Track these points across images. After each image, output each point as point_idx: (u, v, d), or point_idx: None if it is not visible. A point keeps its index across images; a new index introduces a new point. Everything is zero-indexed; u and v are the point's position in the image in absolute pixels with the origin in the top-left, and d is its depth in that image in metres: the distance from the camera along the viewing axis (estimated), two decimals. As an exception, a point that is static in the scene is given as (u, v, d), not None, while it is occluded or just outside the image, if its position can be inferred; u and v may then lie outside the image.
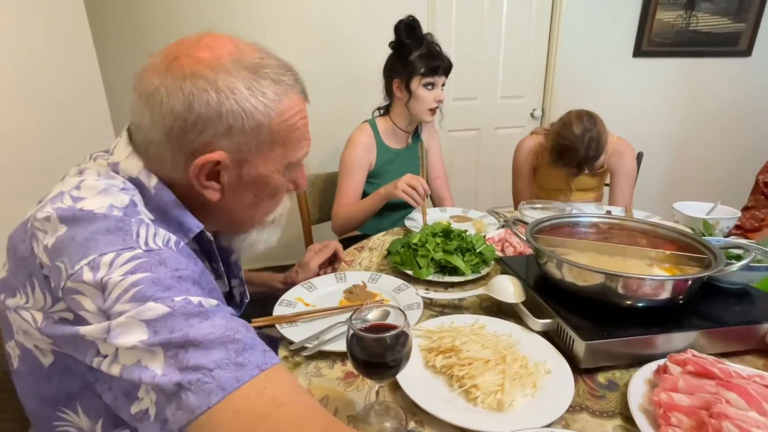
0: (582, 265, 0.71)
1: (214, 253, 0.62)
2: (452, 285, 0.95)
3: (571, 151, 1.47)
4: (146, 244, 0.46)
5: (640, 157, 1.86)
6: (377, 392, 0.57)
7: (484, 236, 1.09)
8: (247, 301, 0.78)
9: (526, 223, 0.90)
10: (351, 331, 0.52)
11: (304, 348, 0.71)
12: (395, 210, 1.53)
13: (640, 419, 0.55)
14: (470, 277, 0.95)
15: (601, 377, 0.66)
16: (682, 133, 3.06)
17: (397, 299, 0.88)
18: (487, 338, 0.69)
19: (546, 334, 0.73)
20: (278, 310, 0.82)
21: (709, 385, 0.55)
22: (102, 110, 1.34)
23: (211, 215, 0.59)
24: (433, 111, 1.42)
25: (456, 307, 0.87)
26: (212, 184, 0.54)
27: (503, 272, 0.92)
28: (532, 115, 2.87)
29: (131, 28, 2.13)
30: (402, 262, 1.00)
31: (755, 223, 1.40)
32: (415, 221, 1.31)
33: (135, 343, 0.41)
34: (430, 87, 1.38)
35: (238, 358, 0.42)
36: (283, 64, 0.56)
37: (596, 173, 1.68)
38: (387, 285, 0.93)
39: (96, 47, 1.34)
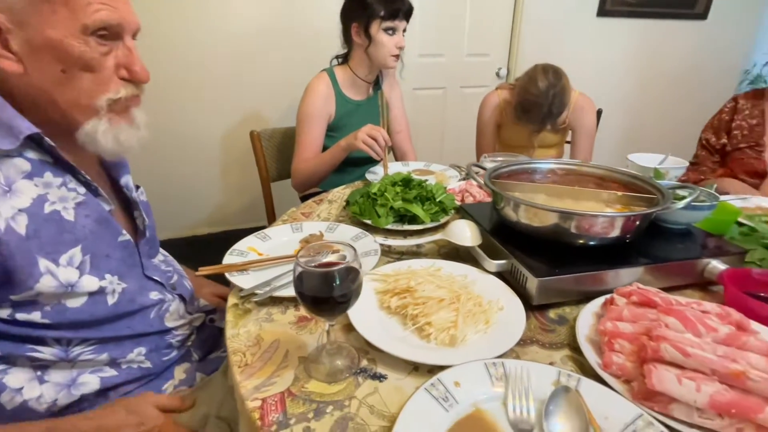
0: (536, 204, 0.70)
1: (63, 159, 0.60)
2: (411, 234, 0.94)
3: (535, 107, 1.46)
4: None
5: (599, 113, 1.89)
6: (328, 332, 0.56)
7: (445, 187, 1.07)
8: (148, 225, 0.75)
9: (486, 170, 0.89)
10: (299, 269, 0.49)
11: (254, 294, 0.68)
12: (358, 165, 1.49)
13: (586, 348, 0.57)
14: (429, 225, 0.94)
15: (552, 313, 0.68)
16: (639, 92, 3.14)
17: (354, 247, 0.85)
18: (442, 279, 0.69)
19: (501, 275, 0.74)
20: (228, 259, 0.78)
21: (651, 312, 0.57)
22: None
23: (40, 107, 0.58)
24: (396, 57, 1.35)
25: (415, 254, 0.86)
26: (5, 53, 0.54)
27: (462, 219, 0.91)
28: (497, 74, 2.84)
29: None
30: (361, 212, 0.97)
31: (700, 176, 1.46)
32: (376, 175, 1.28)
33: None
34: (390, 32, 1.31)
35: None
36: None
37: (558, 130, 1.69)
38: (345, 234, 0.90)
39: None
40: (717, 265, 0.70)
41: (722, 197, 0.91)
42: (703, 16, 2.98)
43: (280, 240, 0.88)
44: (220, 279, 0.74)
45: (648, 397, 0.48)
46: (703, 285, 0.74)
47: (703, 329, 0.52)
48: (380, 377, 0.54)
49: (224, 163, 2.53)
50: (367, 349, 0.58)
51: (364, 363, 0.56)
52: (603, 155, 2.71)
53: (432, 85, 2.74)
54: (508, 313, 0.64)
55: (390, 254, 0.86)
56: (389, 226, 0.93)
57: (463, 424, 0.47)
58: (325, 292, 0.49)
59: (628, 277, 0.69)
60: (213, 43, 2.25)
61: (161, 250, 0.85)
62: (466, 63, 2.76)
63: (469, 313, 0.62)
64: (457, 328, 0.59)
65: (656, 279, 0.71)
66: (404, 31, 1.34)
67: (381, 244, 0.84)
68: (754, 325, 0.57)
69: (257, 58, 2.34)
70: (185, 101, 2.33)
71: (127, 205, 0.75)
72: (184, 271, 0.88)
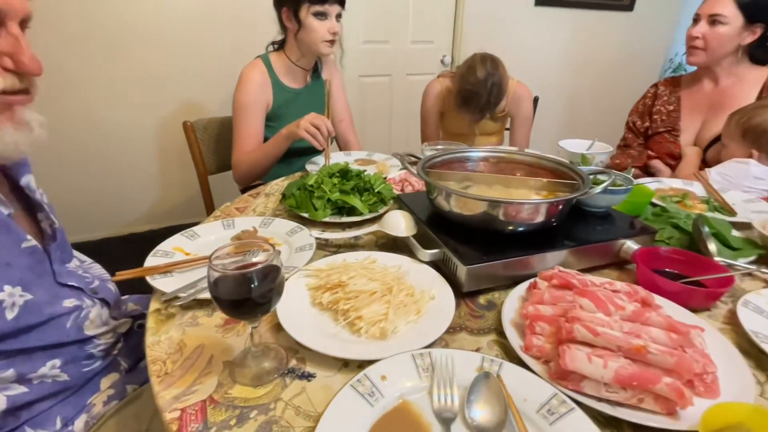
0: (464, 193, 0.72)
1: None
2: (350, 225, 0.93)
3: (474, 96, 1.49)
4: None
5: (536, 101, 1.96)
6: (251, 334, 0.53)
7: (385, 177, 1.07)
8: (58, 228, 0.69)
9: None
10: (215, 273, 0.46)
11: (177, 298, 0.64)
12: (301, 156, 1.45)
13: (510, 331, 0.59)
14: (368, 216, 0.93)
15: (482, 299, 0.69)
16: (573, 79, 3.29)
17: (290, 242, 0.83)
18: (375, 272, 0.69)
19: (435, 264, 0.74)
20: (150, 261, 0.73)
21: (569, 294, 0.60)
22: None
23: None
24: (329, 43, 1.31)
25: (352, 247, 0.85)
26: None
27: (399, 209, 0.91)
28: (442, 61, 2.87)
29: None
30: (298, 205, 0.95)
31: (628, 159, 1.56)
32: (316, 165, 1.25)
33: None
34: (321, 17, 1.26)
35: None
36: None
37: (498, 118, 1.73)
38: (280, 228, 0.87)
39: None
40: (631, 245, 0.75)
41: (638, 180, 0.98)
42: (629, 7, 3.16)
43: (209, 238, 0.84)
44: (142, 283, 0.69)
45: (563, 376, 0.50)
46: (620, 264, 0.79)
47: (613, 308, 0.55)
48: (308, 376, 0.53)
49: (162, 156, 2.38)
50: (297, 348, 0.57)
51: (293, 363, 0.55)
52: (541, 141, 2.83)
53: (378, 72, 2.72)
54: (439, 302, 0.65)
55: (327, 248, 0.84)
56: (327, 219, 0.92)
57: (390, 417, 0.47)
58: (243, 295, 0.47)
59: (553, 260, 0.73)
60: (144, 30, 2.09)
61: (79, 254, 0.78)
62: (410, 50, 2.76)
63: (401, 305, 0.62)
64: (387, 321, 0.59)
65: (578, 261, 0.75)
66: (339, 16, 1.30)
67: (318, 238, 0.83)
68: (659, 299, 0.62)
69: (192, 44, 2.20)
70: (117, 92, 2.16)
71: (31, 208, 0.68)
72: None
